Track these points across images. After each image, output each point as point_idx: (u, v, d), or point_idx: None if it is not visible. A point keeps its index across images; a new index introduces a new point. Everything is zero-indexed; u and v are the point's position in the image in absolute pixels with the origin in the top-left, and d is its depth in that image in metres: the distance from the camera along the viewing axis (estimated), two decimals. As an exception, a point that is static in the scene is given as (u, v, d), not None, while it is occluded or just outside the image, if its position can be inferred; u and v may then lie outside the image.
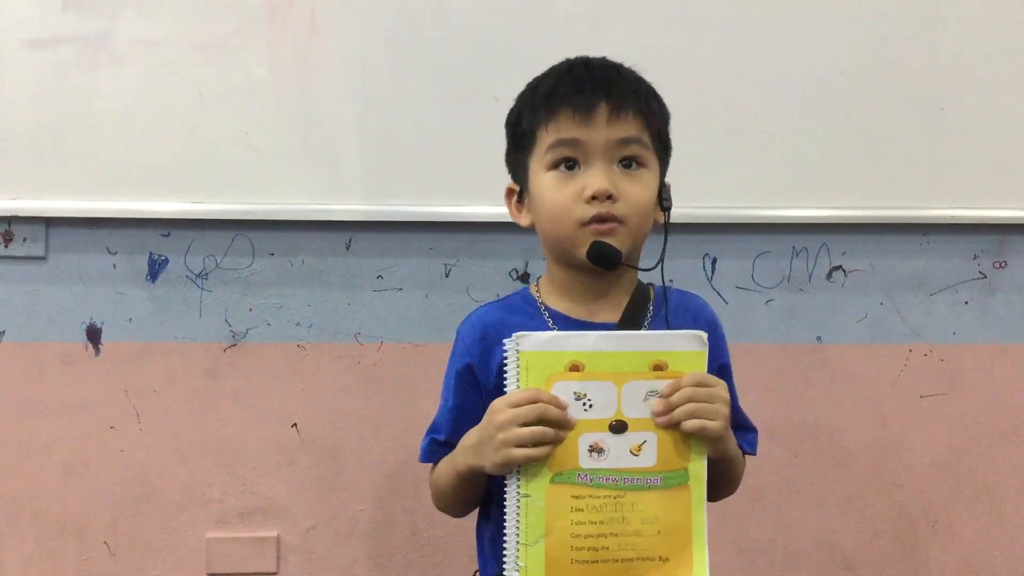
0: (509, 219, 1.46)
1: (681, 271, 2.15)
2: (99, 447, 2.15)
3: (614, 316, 1.40)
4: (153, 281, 2.14)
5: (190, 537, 2.17)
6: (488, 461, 1.27)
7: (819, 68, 2.13)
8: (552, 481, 1.25)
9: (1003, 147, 2.16)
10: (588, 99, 1.33)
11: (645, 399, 1.26)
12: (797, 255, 2.20)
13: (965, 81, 2.15)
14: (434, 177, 2.10)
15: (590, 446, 1.25)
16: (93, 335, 2.14)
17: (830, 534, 2.23)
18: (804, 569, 2.23)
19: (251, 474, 2.17)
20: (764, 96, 2.12)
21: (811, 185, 2.15)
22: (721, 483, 1.39)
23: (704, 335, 1.28)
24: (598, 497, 1.25)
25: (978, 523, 2.25)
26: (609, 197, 1.32)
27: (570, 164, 1.35)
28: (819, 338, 2.22)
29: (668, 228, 1.39)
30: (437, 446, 1.43)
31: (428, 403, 1.50)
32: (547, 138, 1.35)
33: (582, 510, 1.25)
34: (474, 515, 1.48)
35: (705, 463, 1.29)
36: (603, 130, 1.33)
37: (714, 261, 2.19)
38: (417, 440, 1.47)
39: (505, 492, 1.27)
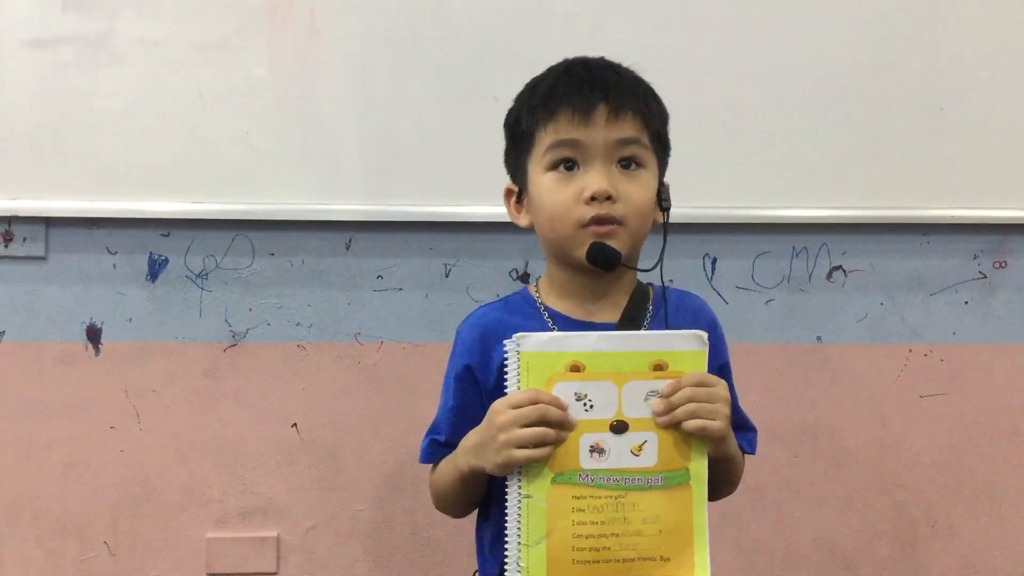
0: (509, 219, 1.46)
1: (681, 271, 2.15)
2: (99, 447, 2.15)
3: (613, 316, 1.40)
4: (153, 281, 2.14)
5: (190, 537, 2.17)
6: (489, 462, 1.27)
7: (819, 68, 2.13)
8: (553, 482, 1.25)
9: (1003, 147, 2.16)
10: (587, 100, 1.33)
11: (646, 399, 1.26)
12: (797, 255, 2.20)
13: (965, 81, 2.15)
14: (434, 177, 2.10)
15: (591, 446, 1.25)
16: (93, 335, 2.14)
17: (830, 534, 2.24)
18: (804, 569, 2.23)
19: (251, 474, 2.17)
20: (764, 96, 2.12)
21: (811, 185, 2.15)
22: (721, 482, 1.39)
23: (704, 335, 1.28)
24: (599, 497, 1.25)
25: (978, 523, 2.25)
26: (608, 198, 1.32)
27: (569, 165, 1.35)
28: (819, 338, 2.22)
29: (667, 228, 1.39)
30: (437, 447, 1.44)
31: (428, 403, 1.50)
32: (546, 139, 1.35)
33: (583, 510, 1.25)
34: (474, 515, 1.48)
35: (706, 463, 1.29)
36: (602, 131, 1.33)
37: (714, 261, 2.19)
38: (417, 440, 1.48)
39: (506, 493, 1.27)
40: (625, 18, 2.09)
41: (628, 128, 1.34)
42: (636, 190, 1.34)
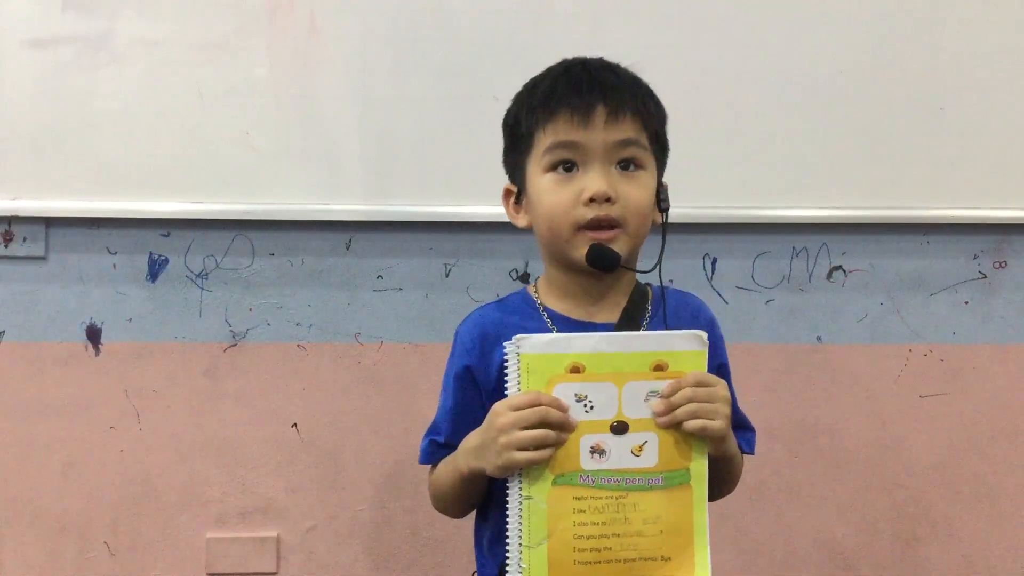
0: (508, 219, 1.46)
1: (681, 271, 2.15)
2: (99, 447, 2.15)
3: (613, 317, 1.40)
4: (153, 281, 2.14)
5: (190, 537, 2.17)
6: (490, 464, 1.27)
7: (819, 68, 2.13)
8: (554, 483, 1.25)
9: (1003, 147, 2.16)
10: (586, 101, 1.33)
11: (646, 399, 1.26)
12: (797, 255, 2.20)
13: (965, 81, 2.15)
14: (434, 177, 2.10)
15: (591, 447, 1.25)
16: (93, 335, 2.14)
17: (830, 534, 2.24)
18: (804, 569, 2.23)
19: (251, 474, 2.17)
20: (764, 96, 2.12)
21: (811, 185, 2.15)
22: (720, 482, 1.39)
23: (704, 335, 1.28)
24: (600, 498, 1.25)
25: (978, 523, 2.25)
26: (608, 199, 1.32)
27: (568, 166, 1.34)
28: (819, 338, 2.22)
29: (666, 229, 1.39)
30: (437, 447, 1.43)
31: (428, 403, 1.50)
32: (545, 140, 1.35)
33: (584, 511, 1.25)
34: (473, 515, 1.48)
35: (706, 463, 1.29)
36: (601, 132, 1.33)
37: (714, 261, 2.19)
38: (417, 440, 1.47)
39: (506, 494, 1.27)
40: (625, 18, 2.09)
41: (627, 129, 1.34)
42: (635, 191, 1.34)
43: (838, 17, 2.12)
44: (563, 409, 1.24)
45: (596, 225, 1.33)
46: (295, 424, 2.17)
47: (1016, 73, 2.15)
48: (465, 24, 2.08)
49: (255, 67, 2.07)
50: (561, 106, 1.34)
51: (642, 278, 1.43)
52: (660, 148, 1.41)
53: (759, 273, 2.20)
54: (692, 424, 1.25)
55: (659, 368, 1.26)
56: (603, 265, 1.33)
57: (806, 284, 2.21)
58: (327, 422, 2.18)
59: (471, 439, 1.32)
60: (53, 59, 2.05)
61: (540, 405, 1.23)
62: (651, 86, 1.41)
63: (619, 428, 1.25)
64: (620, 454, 1.26)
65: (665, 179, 1.42)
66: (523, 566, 1.25)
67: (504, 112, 1.44)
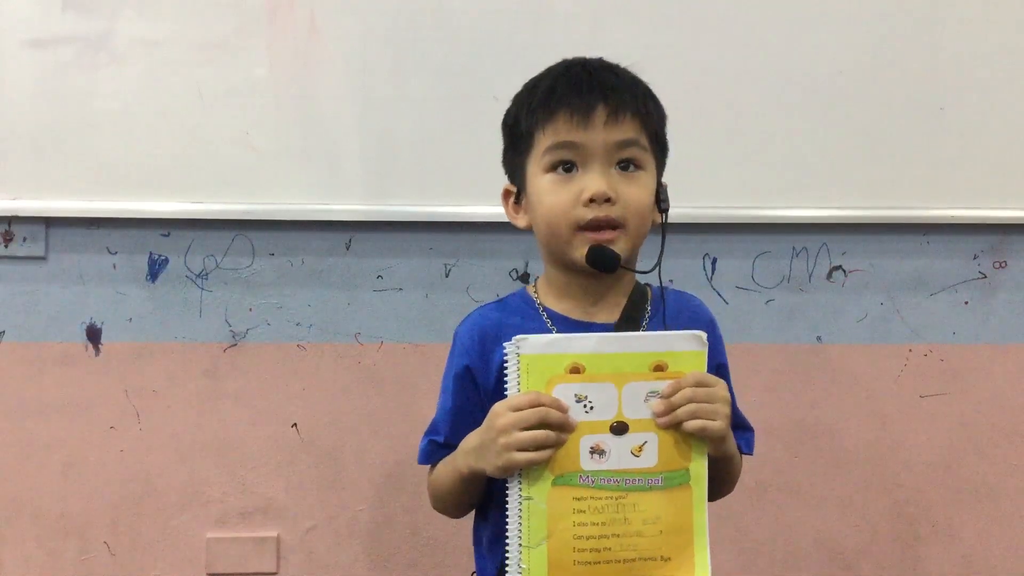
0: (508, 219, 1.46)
1: (681, 271, 2.15)
2: (99, 447, 2.15)
3: (612, 317, 1.40)
4: (153, 281, 2.14)
5: (190, 537, 2.17)
6: (490, 465, 1.27)
7: (819, 68, 2.13)
8: (554, 483, 1.25)
9: (1003, 147, 2.16)
10: (586, 101, 1.33)
11: (646, 400, 1.26)
12: (797, 255, 2.20)
13: (965, 81, 2.15)
14: (434, 177, 2.10)
15: (591, 448, 1.25)
16: (93, 335, 2.14)
17: (830, 534, 2.24)
18: (804, 569, 2.23)
19: (251, 474, 2.17)
20: (764, 96, 2.12)
21: (811, 185, 2.15)
22: (719, 482, 1.39)
23: (704, 335, 1.28)
24: (600, 498, 1.25)
25: (978, 523, 2.25)
26: (607, 200, 1.32)
27: (568, 166, 1.34)
28: (819, 338, 2.22)
29: (666, 229, 1.39)
30: (436, 447, 1.43)
31: (428, 403, 1.50)
32: (545, 140, 1.35)
33: (584, 511, 1.25)
34: (472, 515, 1.48)
35: (706, 463, 1.29)
36: (601, 132, 1.33)
37: (714, 261, 2.19)
38: (417, 440, 1.47)
39: (505, 494, 1.27)
40: (625, 18, 2.09)
41: (627, 130, 1.34)
42: (635, 192, 1.34)
43: (838, 17, 2.12)
44: (563, 410, 1.24)
45: (596, 225, 1.33)
46: (295, 424, 2.17)
47: (1016, 73, 2.15)
48: (465, 24, 2.08)
49: (255, 67, 2.07)
50: (561, 106, 1.34)
51: (642, 278, 1.43)
52: (660, 148, 1.41)
53: (759, 273, 2.20)
54: (692, 424, 1.25)
55: (659, 368, 1.26)
56: (603, 265, 1.33)
57: (806, 284, 2.21)
58: (327, 422, 2.18)
59: (471, 439, 1.32)
60: (53, 59, 2.05)
61: (540, 406, 1.23)
62: (651, 86, 1.41)
63: (619, 428, 1.25)
64: (620, 454, 1.26)
65: (665, 179, 1.42)
66: (523, 566, 1.25)
67: (504, 112, 1.44)
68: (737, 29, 2.12)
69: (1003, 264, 2.23)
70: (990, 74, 2.15)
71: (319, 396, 2.17)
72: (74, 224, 2.11)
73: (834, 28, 2.12)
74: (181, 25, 2.06)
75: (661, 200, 1.39)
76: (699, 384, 1.26)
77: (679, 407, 1.25)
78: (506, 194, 1.45)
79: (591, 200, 1.32)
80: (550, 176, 1.35)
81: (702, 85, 2.10)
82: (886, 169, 2.15)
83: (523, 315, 1.41)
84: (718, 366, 1.41)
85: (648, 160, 1.37)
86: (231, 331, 2.15)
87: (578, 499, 1.25)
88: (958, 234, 2.21)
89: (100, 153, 2.06)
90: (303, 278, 2.15)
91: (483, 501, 1.41)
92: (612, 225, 1.33)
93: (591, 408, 1.25)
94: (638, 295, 1.42)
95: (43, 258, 2.12)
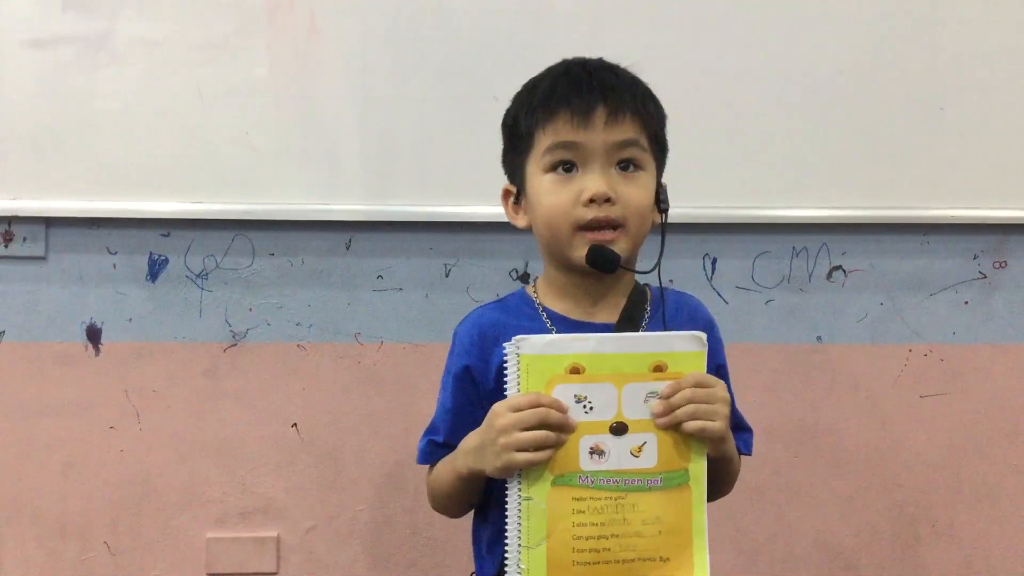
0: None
1: (681, 271, 2.15)
2: (99, 447, 2.15)
3: (612, 317, 1.40)
4: (153, 281, 2.14)
5: (190, 537, 2.17)
6: (489, 465, 1.27)
7: (819, 68, 2.13)
8: (553, 484, 1.25)
9: (1003, 147, 2.16)
10: (586, 101, 1.33)
11: (645, 400, 1.26)
12: (797, 255, 2.20)
13: (965, 81, 2.15)
14: (434, 177, 2.10)
15: (591, 448, 1.25)
16: (93, 335, 2.14)
17: (830, 534, 2.24)
18: (804, 569, 2.23)
19: (251, 474, 2.17)
20: (764, 96, 2.12)
21: (811, 185, 2.15)
22: (718, 483, 1.39)
23: (704, 336, 1.28)
24: (599, 499, 1.25)
25: (978, 523, 2.25)
26: (607, 200, 1.32)
27: (568, 167, 1.34)
28: (819, 338, 2.22)
29: (665, 229, 1.39)
30: (435, 447, 1.43)
31: (428, 403, 1.50)
32: (545, 140, 1.35)
33: (583, 512, 1.25)
34: (471, 515, 1.48)
35: (705, 463, 1.29)
36: (601, 133, 1.33)
37: (714, 261, 2.19)
38: (417, 440, 1.47)
39: (505, 494, 1.27)
40: (625, 18, 2.09)
41: (627, 130, 1.34)
42: (635, 192, 1.34)
43: (838, 17, 2.12)
44: (563, 410, 1.24)
45: (596, 226, 1.33)
46: (295, 424, 2.17)
47: (1016, 73, 2.15)
48: (465, 24, 2.08)
49: (255, 67, 2.07)
50: (561, 106, 1.34)
51: (641, 278, 1.43)
52: (660, 149, 1.41)
53: (759, 273, 2.20)
54: (691, 425, 1.25)
55: (659, 369, 1.26)
56: (603, 266, 1.33)
57: (806, 284, 2.21)
58: (327, 422, 2.18)
59: (470, 440, 1.32)
60: (53, 59, 2.05)
61: (540, 406, 1.23)
62: (651, 86, 1.41)
63: (618, 429, 1.25)
64: (619, 455, 1.26)
65: (665, 179, 1.42)
66: (522, 567, 1.25)
67: (504, 112, 1.44)
68: (737, 29, 2.12)
69: (1003, 264, 2.23)
70: (990, 74, 2.15)
71: (319, 396, 2.17)
72: (74, 224, 2.11)
73: (834, 28, 2.12)
74: (181, 25, 2.06)
75: (661, 200, 1.39)
76: (699, 385, 1.26)
77: (679, 408, 1.25)
78: (506, 194, 1.45)
79: (591, 200, 1.32)
80: (550, 176, 1.36)
81: (702, 85, 2.10)
82: (886, 169, 2.15)
83: (523, 315, 1.41)
84: (717, 367, 1.41)
85: (648, 160, 1.37)
86: (231, 331, 2.15)
87: (577, 499, 1.25)
88: (958, 234, 2.21)
89: (100, 153, 2.06)
90: (303, 278, 2.15)
91: (483, 501, 1.42)
92: (612, 225, 1.33)
93: (591, 408, 1.25)
94: (638, 295, 1.42)
95: (43, 258, 2.12)
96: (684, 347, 1.27)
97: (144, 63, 2.06)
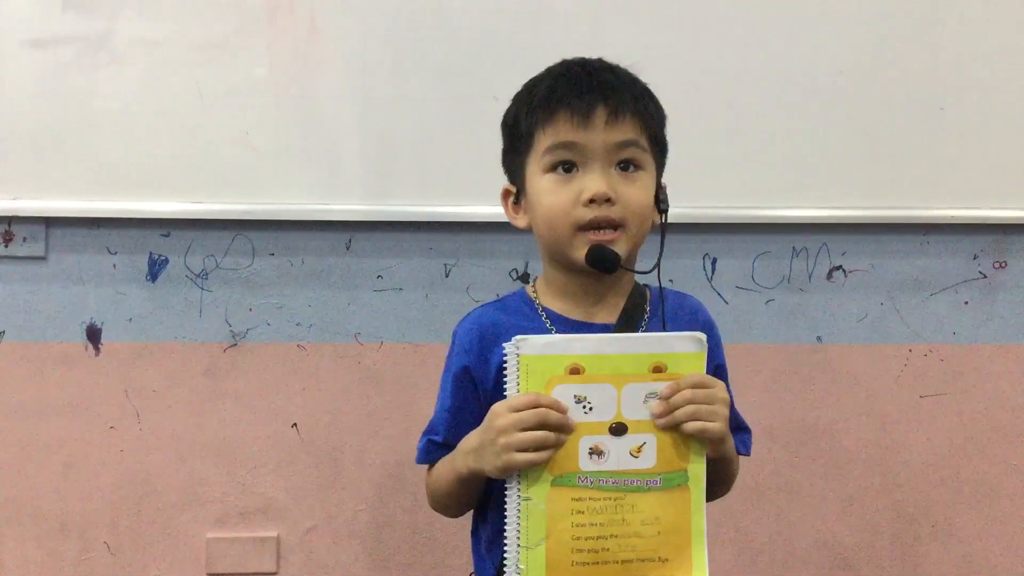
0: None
1: (681, 271, 2.15)
2: (99, 447, 2.15)
3: (611, 317, 1.40)
4: (153, 281, 2.14)
5: (190, 537, 2.17)
6: (489, 465, 1.26)
7: (819, 68, 2.13)
8: (553, 484, 1.25)
9: (1003, 147, 2.16)
10: (586, 102, 1.33)
11: (645, 401, 1.25)
12: (797, 255, 2.20)
13: (965, 81, 2.15)
14: (434, 177, 2.10)
15: (590, 448, 1.25)
16: (93, 335, 2.14)
17: (830, 534, 2.24)
18: (804, 569, 2.23)
19: (251, 474, 2.17)
20: (764, 96, 2.12)
21: (811, 185, 2.15)
22: (717, 483, 1.39)
23: (703, 337, 1.28)
24: (598, 499, 1.25)
25: (978, 523, 2.25)
26: (608, 200, 1.32)
27: (568, 167, 1.34)
28: (819, 338, 2.22)
29: (665, 229, 1.39)
30: (434, 447, 1.43)
31: (428, 403, 1.50)
32: (545, 140, 1.35)
33: (582, 512, 1.25)
34: (470, 515, 1.48)
35: (704, 464, 1.29)
36: (601, 133, 1.33)
37: (714, 261, 2.19)
38: (417, 440, 1.47)
39: (504, 494, 1.27)
40: (625, 18, 2.09)
41: (627, 130, 1.34)
42: (635, 192, 1.34)
43: (838, 17, 2.12)
44: (562, 411, 1.24)
45: (596, 226, 1.33)
46: (295, 424, 2.17)
47: (1016, 73, 2.15)
48: (465, 24, 2.08)
49: (255, 67, 2.07)
50: (561, 106, 1.34)
51: (641, 279, 1.43)
52: (659, 149, 1.41)
53: (759, 273, 2.20)
54: (691, 426, 1.25)
55: (658, 370, 1.26)
56: (603, 266, 1.33)
57: (806, 284, 2.21)
58: (327, 422, 2.18)
59: (470, 440, 1.32)
60: (53, 59, 2.05)
61: (540, 407, 1.23)
62: (651, 86, 1.41)
63: (618, 429, 1.25)
64: (619, 455, 1.26)
65: (665, 179, 1.42)
66: (521, 567, 1.25)
67: (504, 112, 1.44)
68: (737, 29, 2.12)
69: (1003, 264, 2.23)
70: (990, 74, 2.15)
71: (319, 396, 2.17)
72: (74, 224, 2.11)
73: (834, 28, 2.12)
74: (181, 25, 2.06)
75: (660, 201, 1.39)
76: (698, 385, 1.26)
77: (678, 408, 1.25)
78: (505, 194, 1.45)
79: (591, 200, 1.32)
80: (550, 176, 1.35)
81: (702, 85, 2.10)
82: (886, 169, 2.15)
83: (522, 315, 1.41)
84: (716, 367, 1.41)
85: (648, 161, 1.37)
86: (231, 331, 2.15)
87: (577, 500, 1.25)
88: (958, 234, 2.21)
89: (100, 153, 2.07)
90: (303, 278, 2.15)
91: (482, 501, 1.41)
92: (612, 225, 1.33)
93: (590, 409, 1.25)
94: (637, 296, 1.42)
95: (43, 258, 2.12)
96: (684, 348, 1.27)
97: (144, 63, 2.06)
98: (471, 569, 1.50)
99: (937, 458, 2.25)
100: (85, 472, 2.15)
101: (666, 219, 1.40)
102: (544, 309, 1.41)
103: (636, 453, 1.26)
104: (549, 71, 1.41)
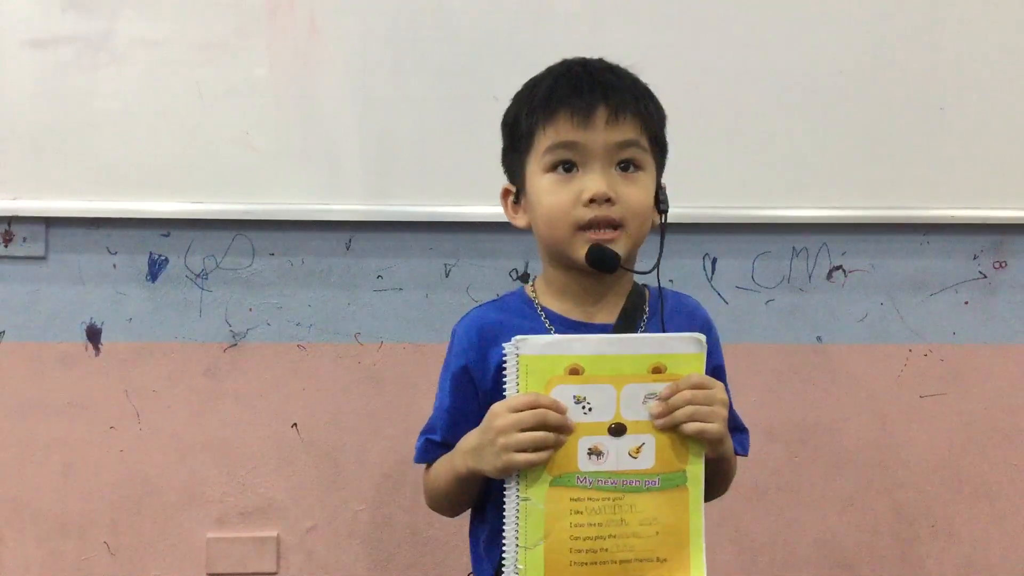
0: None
1: (681, 271, 2.15)
2: (99, 447, 2.15)
3: (610, 317, 1.40)
4: (153, 281, 2.14)
5: (190, 537, 2.17)
6: (488, 465, 1.27)
7: (819, 68, 2.13)
8: (551, 484, 1.25)
9: (1003, 147, 2.16)
10: (587, 101, 1.33)
11: (644, 402, 1.26)
12: (797, 255, 2.20)
13: (965, 81, 2.15)
14: (434, 177, 2.10)
15: (589, 449, 1.25)
16: (93, 335, 2.14)
17: (830, 534, 2.24)
18: (804, 569, 2.23)
19: (251, 474, 2.17)
20: (764, 96, 2.12)
21: (811, 185, 2.15)
22: (715, 483, 1.39)
23: (703, 337, 1.28)
24: (597, 499, 1.25)
25: (978, 523, 2.25)
26: (608, 200, 1.32)
27: (568, 166, 1.34)
28: (819, 338, 2.22)
29: (665, 230, 1.39)
30: (433, 447, 1.43)
31: (428, 403, 1.50)
32: (545, 140, 1.35)
33: (581, 512, 1.25)
34: (469, 515, 1.48)
35: (703, 464, 1.29)
36: (601, 133, 1.33)
37: (714, 261, 2.19)
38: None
39: (503, 494, 1.27)
40: (625, 18, 2.09)
41: (627, 130, 1.34)
42: (635, 192, 1.34)
43: (838, 17, 2.12)
44: (562, 411, 1.24)
45: (596, 225, 1.33)
46: (295, 424, 2.17)
47: (1016, 73, 2.15)
48: (465, 24, 2.08)
49: (255, 67, 2.07)
50: (561, 106, 1.34)
51: (640, 279, 1.43)
52: (660, 149, 1.41)
53: (759, 273, 2.20)
54: (690, 427, 1.25)
55: (657, 370, 1.26)
56: (603, 266, 1.33)
57: (806, 284, 2.21)
58: (327, 422, 2.18)
59: (469, 440, 1.32)
60: (53, 59, 2.05)
61: (539, 407, 1.23)
62: (651, 86, 1.41)
63: (617, 430, 1.26)
64: (618, 456, 1.26)
65: (665, 179, 1.42)
66: (519, 567, 1.25)
67: (504, 112, 1.44)
68: (737, 29, 2.11)
69: (1003, 264, 2.23)
70: (990, 74, 2.15)
71: (319, 396, 2.17)
72: (74, 224, 2.11)
73: (834, 28, 2.12)
74: (181, 25, 2.06)
75: (660, 201, 1.39)
76: (697, 386, 1.26)
77: (677, 409, 1.25)
78: (505, 194, 1.45)
79: (591, 200, 1.32)
80: (550, 176, 1.36)
81: (702, 85, 2.10)
82: (886, 169, 2.15)
83: (521, 315, 1.41)
84: (715, 368, 1.41)
85: (648, 161, 1.37)
86: (231, 331, 2.15)
87: (575, 500, 1.25)
88: (958, 234, 2.21)
89: (100, 153, 2.06)
90: (303, 278, 2.15)
91: (480, 501, 1.42)
92: (612, 225, 1.33)
93: (589, 409, 1.25)
94: (636, 296, 1.42)
95: (43, 258, 2.12)
96: (683, 349, 1.27)
97: (144, 63, 2.06)
98: (470, 569, 1.50)
99: (937, 458, 2.25)
100: (85, 472, 2.15)
101: (666, 219, 1.40)
102: (543, 309, 1.41)
103: (635, 454, 1.26)
104: (550, 71, 1.41)
